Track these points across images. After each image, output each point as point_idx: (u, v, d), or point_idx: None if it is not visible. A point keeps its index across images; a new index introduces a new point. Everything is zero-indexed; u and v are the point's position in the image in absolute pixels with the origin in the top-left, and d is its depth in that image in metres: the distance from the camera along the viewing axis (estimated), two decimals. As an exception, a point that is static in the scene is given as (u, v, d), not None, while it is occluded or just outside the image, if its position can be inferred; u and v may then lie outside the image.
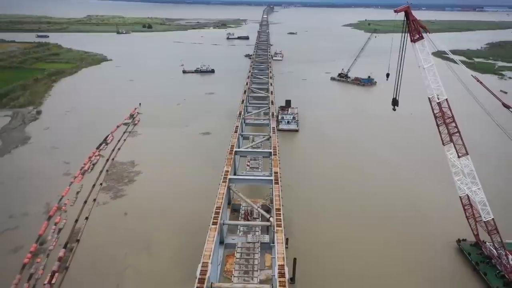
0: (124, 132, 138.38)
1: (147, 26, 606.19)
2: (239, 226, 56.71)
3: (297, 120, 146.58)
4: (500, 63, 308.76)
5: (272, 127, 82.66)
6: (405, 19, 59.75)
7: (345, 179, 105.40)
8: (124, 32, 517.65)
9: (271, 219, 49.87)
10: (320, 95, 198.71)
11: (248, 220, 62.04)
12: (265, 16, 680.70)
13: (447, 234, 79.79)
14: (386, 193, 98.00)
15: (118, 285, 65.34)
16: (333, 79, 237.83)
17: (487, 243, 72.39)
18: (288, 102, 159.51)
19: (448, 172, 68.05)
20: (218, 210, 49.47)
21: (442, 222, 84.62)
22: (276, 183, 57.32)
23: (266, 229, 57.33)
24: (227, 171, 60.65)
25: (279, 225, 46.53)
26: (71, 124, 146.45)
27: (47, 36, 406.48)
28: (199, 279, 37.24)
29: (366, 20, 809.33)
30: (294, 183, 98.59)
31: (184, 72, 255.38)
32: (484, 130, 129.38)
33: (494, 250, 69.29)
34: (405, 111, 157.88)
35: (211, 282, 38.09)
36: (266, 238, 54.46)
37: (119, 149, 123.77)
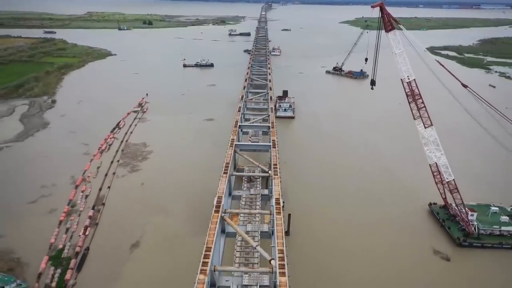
0: (135, 119, 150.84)
1: (147, 22, 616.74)
2: (243, 181, 69.34)
3: (293, 108, 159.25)
4: (489, 58, 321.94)
5: (270, 107, 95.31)
6: (380, 13, 72.28)
7: (336, 157, 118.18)
8: (125, 28, 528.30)
9: (269, 172, 62.59)
10: (316, 87, 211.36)
11: (251, 180, 74.55)
12: (264, 13, 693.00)
13: (421, 199, 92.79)
14: (370, 167, 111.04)
15: (141, 236, 78.04)
16: (328, 72, 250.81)
17: (452, 204, 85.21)
18: (285, 92, 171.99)
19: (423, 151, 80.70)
20: (227, 165, 62.15)
21: (418, 191, 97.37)
22: (274, 147, 70.10)
23: (266, 184, 70.11)
24: (233, 139, 73.38)
25: (275, 174, 59.23)
26: (85, 112, 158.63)
27: (54, 32, 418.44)
28: (216, 205, 49.86)
29: (363, 17, 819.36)
30: (290, 161, 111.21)
31: (184, 66, 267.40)
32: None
33: (458, 210, 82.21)
34: (394, 101, 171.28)
35: (225, 209, 50.75)
36: (265, 191, 67.29)
37: (131, 132, 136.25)
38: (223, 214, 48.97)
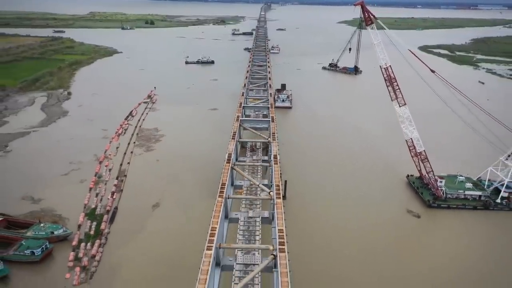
0: (146, 108, 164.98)
1: (149, 22, 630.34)
2: (247, 151, 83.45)
3: (291, 99, 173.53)
4: (479, 56, 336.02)
5: (270, 93, 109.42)
6: (362, 10, 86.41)
7: (328, 141, 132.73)
8: (128, 28, 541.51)
9: (269, 138, 76.72)
10: (312, 82, 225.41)
11: (253, 149, 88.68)
12: (263, 13, 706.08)
13: (401, 172, 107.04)
14: (358, 147, 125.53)
15: (160, 199, 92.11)
16: (324, 68, 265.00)
17: (426, 175, 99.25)
18: (283, 86, 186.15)
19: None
20: (234, 133, 76.24)
21: (397, 164, 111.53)
22: (273, 122, 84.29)
23: (266, 152, 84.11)
24: (238, 116, 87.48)
25: (274, 139, 73.36)
26: (99, 103, 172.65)
27: (63, 31, 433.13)
28: (227, 159, 63.89)
29: (360, 17, 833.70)
30: (287, 143, 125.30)
31: (186, 63, 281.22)
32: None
33: (429, 177, 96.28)
34: (385, 95, 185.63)
35: (234, 162, 64.78)
36: (265, 158, 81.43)
37: (143, 119, 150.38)
38: (232, 165, 62.99)
